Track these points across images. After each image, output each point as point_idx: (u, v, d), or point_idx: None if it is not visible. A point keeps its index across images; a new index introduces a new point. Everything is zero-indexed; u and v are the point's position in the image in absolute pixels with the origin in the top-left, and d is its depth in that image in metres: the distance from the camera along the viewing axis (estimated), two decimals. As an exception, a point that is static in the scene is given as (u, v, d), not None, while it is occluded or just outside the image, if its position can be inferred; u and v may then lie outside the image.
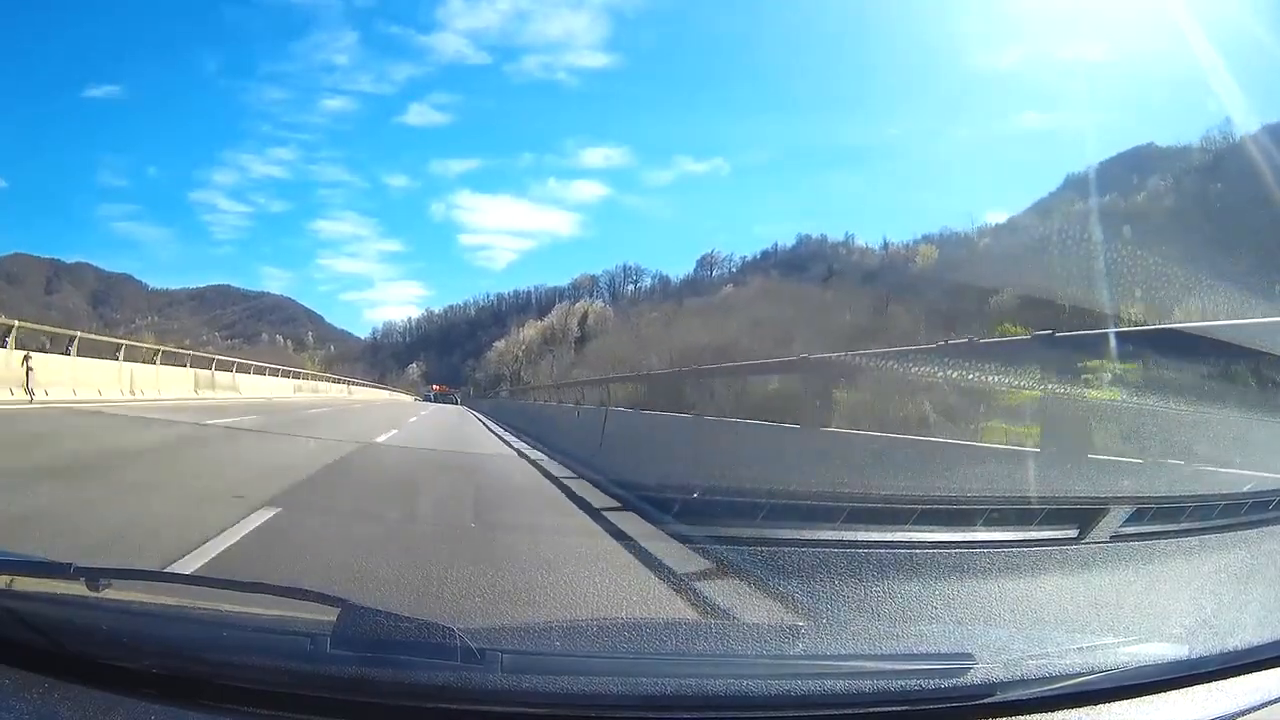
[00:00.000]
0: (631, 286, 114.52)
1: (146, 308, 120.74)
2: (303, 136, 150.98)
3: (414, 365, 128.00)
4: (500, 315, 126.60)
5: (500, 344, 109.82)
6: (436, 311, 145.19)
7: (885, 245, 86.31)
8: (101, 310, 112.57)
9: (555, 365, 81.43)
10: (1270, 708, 1.38)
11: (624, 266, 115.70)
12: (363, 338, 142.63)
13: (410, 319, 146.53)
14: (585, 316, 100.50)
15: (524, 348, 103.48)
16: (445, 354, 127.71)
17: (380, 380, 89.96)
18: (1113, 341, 3.87)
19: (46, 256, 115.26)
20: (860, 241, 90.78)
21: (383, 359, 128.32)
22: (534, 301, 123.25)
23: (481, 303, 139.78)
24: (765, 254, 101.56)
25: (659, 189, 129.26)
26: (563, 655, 1.40)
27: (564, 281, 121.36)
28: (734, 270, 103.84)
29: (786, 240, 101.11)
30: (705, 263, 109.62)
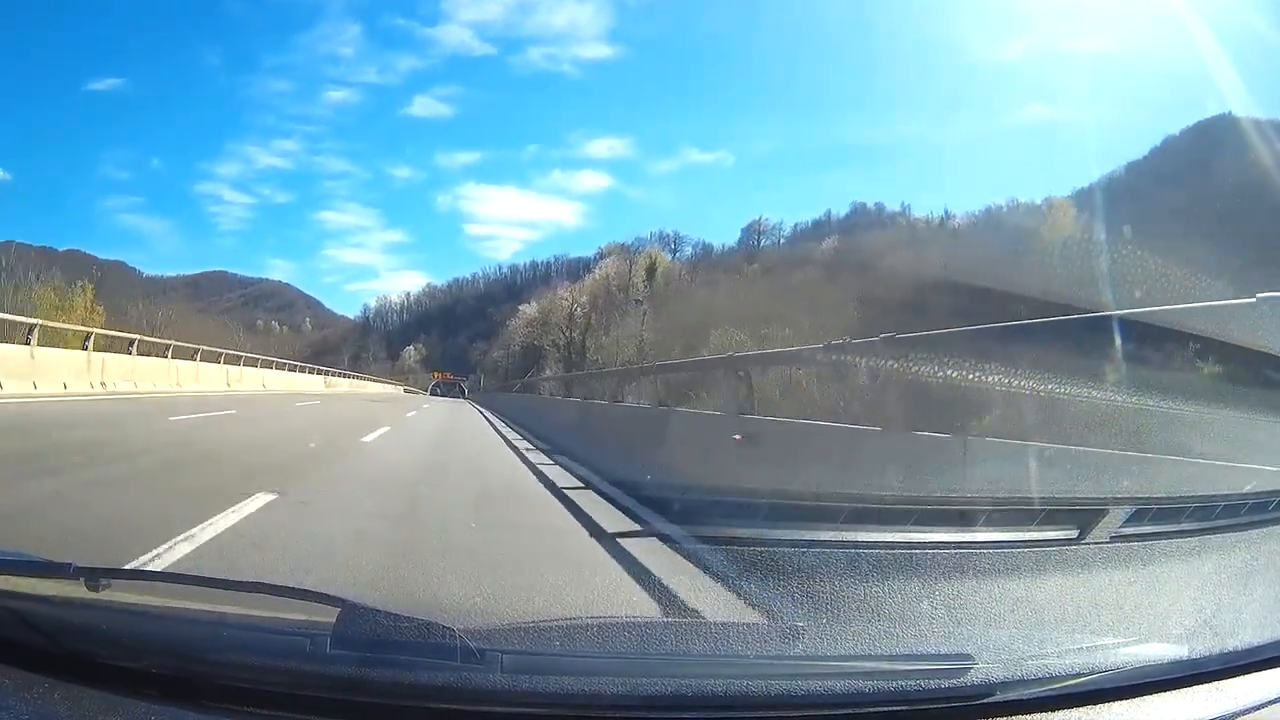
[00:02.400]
0: (670, 254, 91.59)
1: (140, 295, 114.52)
2: (307, 128, 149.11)
3: (411, 348, 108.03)
4: (515, 289, 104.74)
5: (529, 308, 78.78)
6: (440, 286, 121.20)
7: (947, 215, 78.39)
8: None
9: (646, 328, 49.98)
10: (1270, 707, 1.38)
11: (661, 234, 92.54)
12: (351, 317, 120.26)
13: (409, 294, 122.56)
14: (653, 267, 65.95)
15: (578, 308, 69.33)
16: (450, 334, 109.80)
17: (352, 368, 68.45)
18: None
19: (39, 245, 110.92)
20: (918, 213, 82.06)
21: (373, 342, 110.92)
22: (554, 273, 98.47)
23: (493, 275, 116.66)
24: (817, 223, 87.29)
25: (663, 179, 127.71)
26: (563, 655, 1.40)
27: (588, 251, 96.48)
28: (783, 240, 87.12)
29: (839, 209, 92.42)
30: (752, 230, 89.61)
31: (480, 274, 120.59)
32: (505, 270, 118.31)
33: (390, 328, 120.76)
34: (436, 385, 71.15)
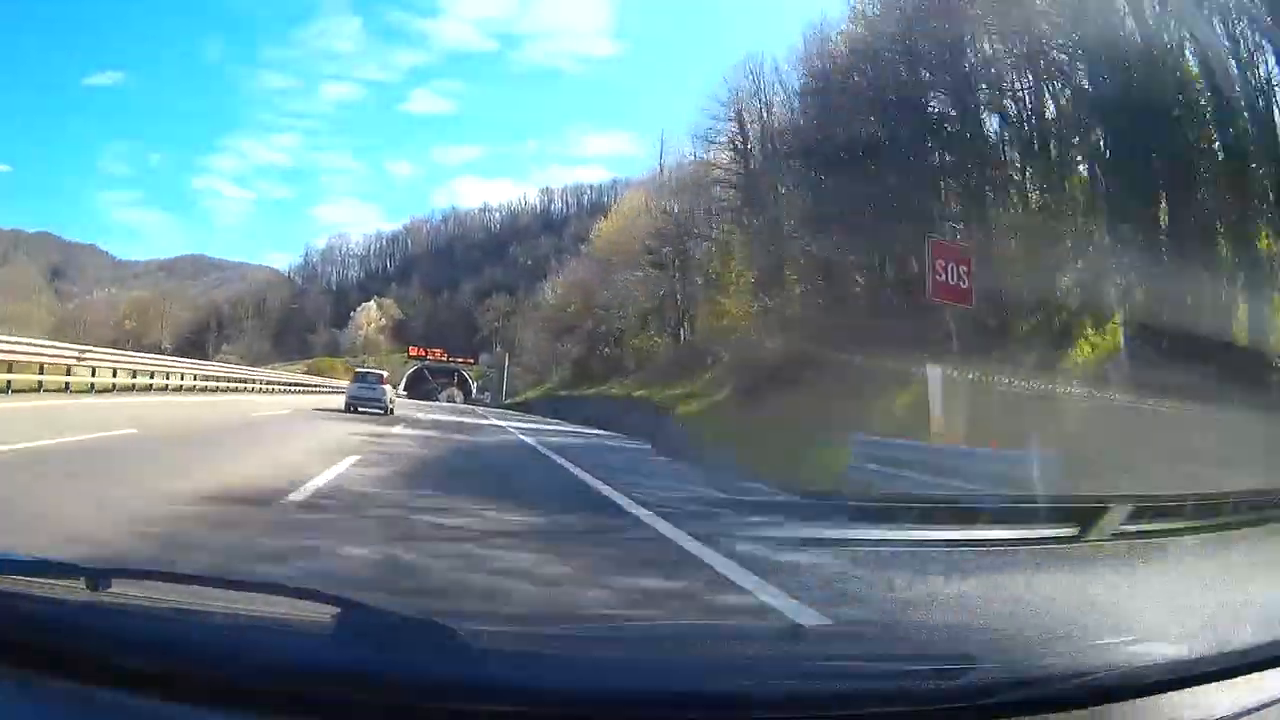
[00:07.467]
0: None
1: (109, 279, 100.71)
2: (306, 123, 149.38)
3: (371, 305, 67.34)
4: (553, 222, 67.64)
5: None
6: (427, 220, 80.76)
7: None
8: (58, 283, 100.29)
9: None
10: (1270, 708, 1.38)
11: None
12: (280, 269, 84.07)
13: (378, 233, 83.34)
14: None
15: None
16: (446, 286, 70.00)
17: (276, 354, 39.65)
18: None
19: (9, 228, 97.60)
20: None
21: (313, 299, 72.38)
22: (615, 196, 59.08)
23: (515, 204, 77.67)
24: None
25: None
26: (563, 655, 1.40)
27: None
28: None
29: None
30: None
31: (490, 206, 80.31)
32: (538, 196, 77.63)
33: (345, 280, 79.88)
34: (419, 374, 42.81)
